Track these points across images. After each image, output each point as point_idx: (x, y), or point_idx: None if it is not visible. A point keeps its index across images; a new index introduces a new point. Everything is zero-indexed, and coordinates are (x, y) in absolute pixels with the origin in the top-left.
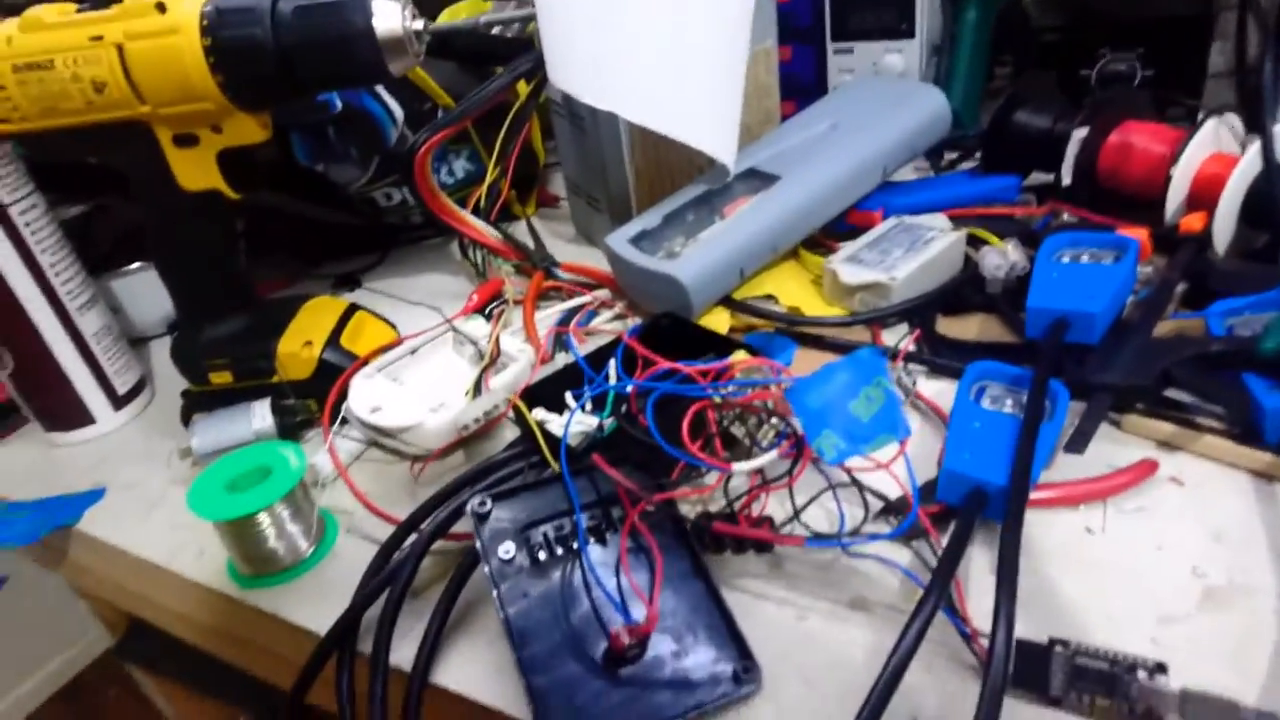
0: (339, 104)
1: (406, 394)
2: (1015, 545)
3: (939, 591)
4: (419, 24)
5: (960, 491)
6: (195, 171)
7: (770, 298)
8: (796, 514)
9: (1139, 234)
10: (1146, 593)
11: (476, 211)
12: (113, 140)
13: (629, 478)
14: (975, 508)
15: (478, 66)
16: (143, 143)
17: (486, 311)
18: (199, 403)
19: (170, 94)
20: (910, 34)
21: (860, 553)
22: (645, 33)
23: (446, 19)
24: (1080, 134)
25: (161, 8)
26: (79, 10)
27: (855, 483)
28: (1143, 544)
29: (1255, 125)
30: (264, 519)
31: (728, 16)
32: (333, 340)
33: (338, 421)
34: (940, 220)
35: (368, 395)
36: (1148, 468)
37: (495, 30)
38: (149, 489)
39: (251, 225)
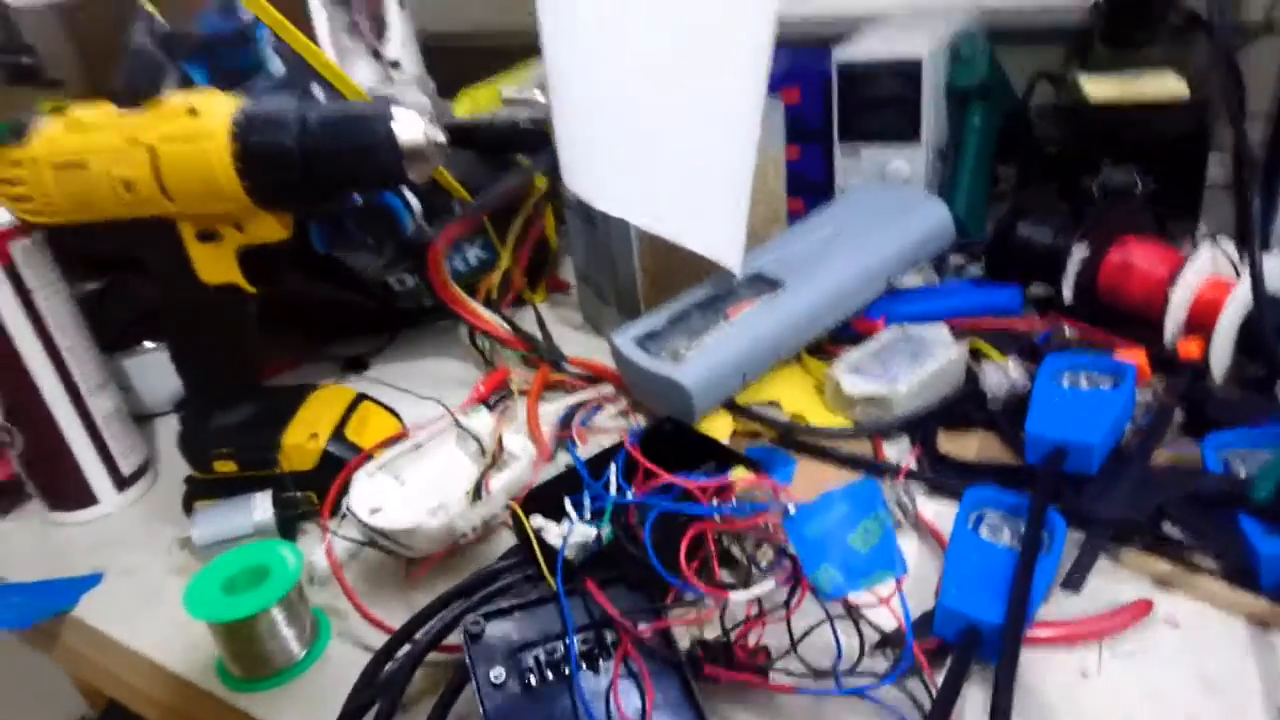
0: (358, 197)
1: (407, 493)
2: (1008, 696)
3: None
4: (440, 135)
5: (956, 628)
6: (216, 266)
7: (773, 404)
8: (794, 645)
9: (1138, 356)
10: None
11: (488, 300)
12: (137, 233)
13: (625, 598)
14: (970, 647)
15: (494, 155)
16: (166, 237)
17: (491, 403)
18: (202, 490)
19: (197, 194)
20: (916, 139)
21: (855, 687)
22: (655, 141)
23: (464, 104)
24: (1081, 250)
25: (194, 111)
26: (118, 109)
27: (852, 615)
28: (1137, 691)
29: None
30: (259, 622)
31: (737, 126)
32: (338, 432)
33: (338, 518)
34: (942, 331)
35: (369, 495)
36: (1143, 608)
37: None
38: (147, 577)
39: (262, 303)
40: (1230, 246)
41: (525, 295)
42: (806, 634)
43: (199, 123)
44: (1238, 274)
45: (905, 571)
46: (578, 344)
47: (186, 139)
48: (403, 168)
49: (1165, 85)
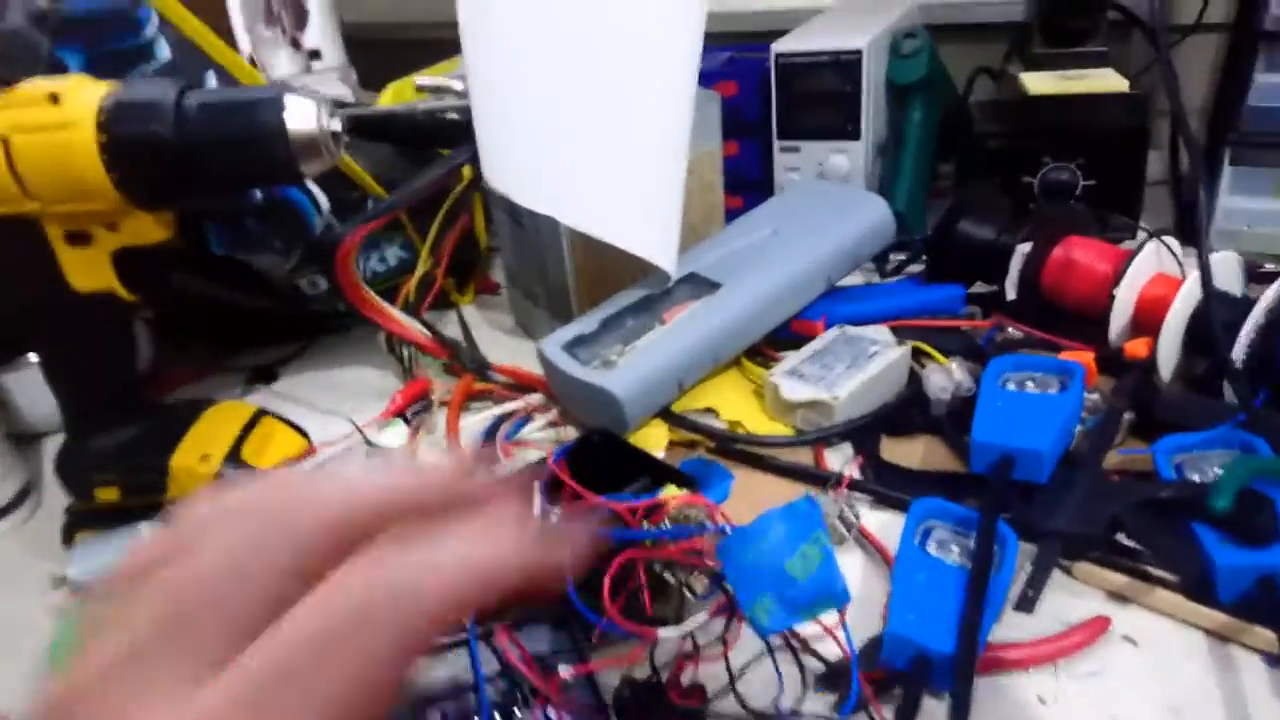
0: (258, 193)
1: None
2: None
3: None
4: (336, 124)
5: (905, 655)
6: (88, 271)
7: (710, 411)
8: (732, 684)
9: (1084, 358)
10: None
11: (407, 304)
12: None
13: (546, 639)
14: (920, 677)
15: (415, 150)
16: (30, 239)
17: (409, 416)
18: (84, 520)
19: (61, 191)
20: (856, 135)
21: None
22: (581, 136)
23: (388, 97)
24: (1024, 249)
25: (55, 98)
26: None
27: (793, 647)
28: (1098, 717)
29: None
30: None
31: (667, 121)
32: (233, 453)
33: None
34: (884, 333)
35: None
36: (1100, 625)
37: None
38: (16, 618)
39: (159, 309)
40: (1174, 243)
41: (453, 298)
42: (744, 669)
43: (60, 111)
44: (1182, 270)
45: (848, 600)
46: (508, 350)
47: (45, 128)
48: (295, 161)
49: (1104, 80)
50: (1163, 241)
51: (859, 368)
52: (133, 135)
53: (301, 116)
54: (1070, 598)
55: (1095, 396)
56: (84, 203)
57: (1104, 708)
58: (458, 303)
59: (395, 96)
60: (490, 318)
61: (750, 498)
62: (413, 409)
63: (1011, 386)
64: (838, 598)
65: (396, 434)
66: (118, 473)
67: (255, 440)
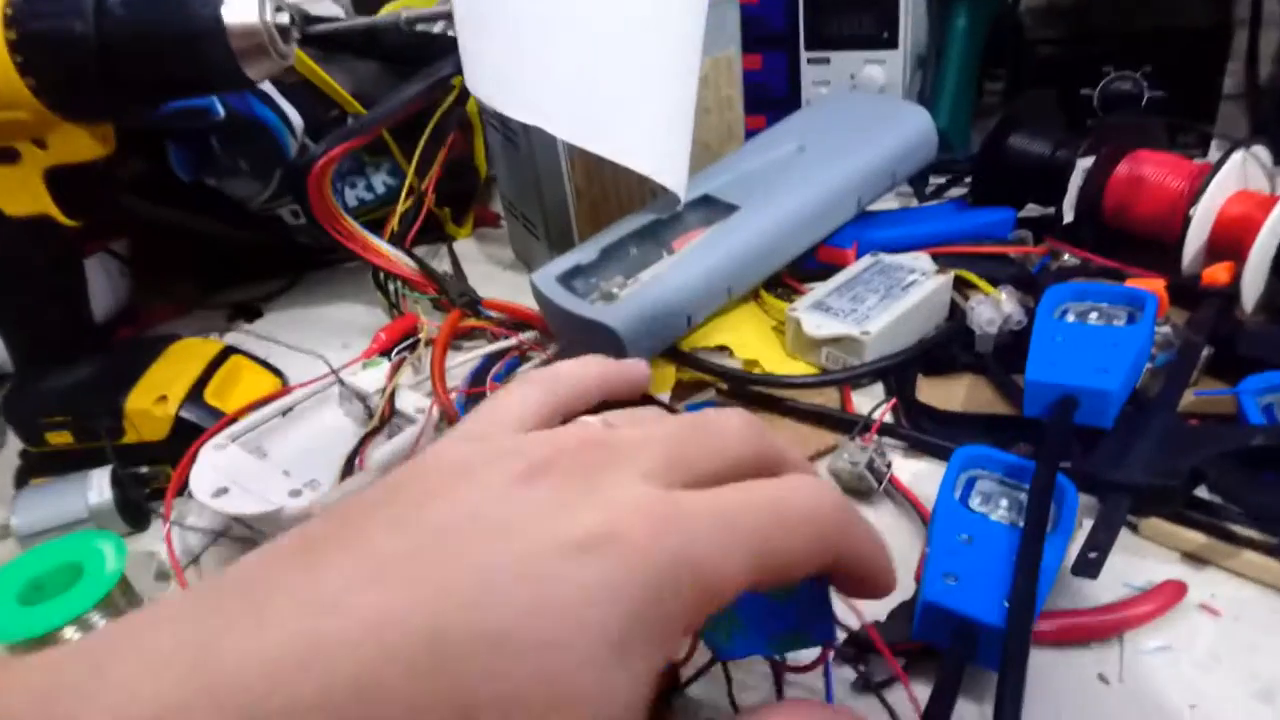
0: (221, 110)
1: (268, 468)
2: (1016, 714)
3: None
4: (284, 17)
5: (943, 628)
6: (18, 193)
7: (724, 349)
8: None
9: (1155, 285)
10: None
11: (394, 236)
12: None
13: None
14: (962, 654)
15: (401, 65)
16: None
17: (394, 355)
18: (37, 466)
19: None
20: (893, 44)
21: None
22: (576, 35)
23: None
24: (1085, 164)
25: None
26: None
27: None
28: (1172, 702)
29: None
30: (69, 635)
31: (675, 20)
32: (195, 393)
33: (184, 499)
34: (923, 260)
35: (214, 472)
36: (1174, 592)
37: (421, 27)
38: None
39: (140, 244)
40: (1264, 153)
41: (450, 229)
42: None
43: None
44: (1271, 186)
45: (833, 640)
46: (507, 286)
47: None
48: (235, 61)
49: None
50: (1251, 153)
51: (894, 299)
52: (45, 31)
53: (241, 8)
54: (1138, 560)
55: (1167, 330)
56: (1, 111)
57: (1178, 688)
58: (454, 235)
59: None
60: (490, 252)
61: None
62: (399, 348)
63: (1071, 318)
64: (818, 635)
65: (375, 375)
66: (69, 416)
67: (220, 380)
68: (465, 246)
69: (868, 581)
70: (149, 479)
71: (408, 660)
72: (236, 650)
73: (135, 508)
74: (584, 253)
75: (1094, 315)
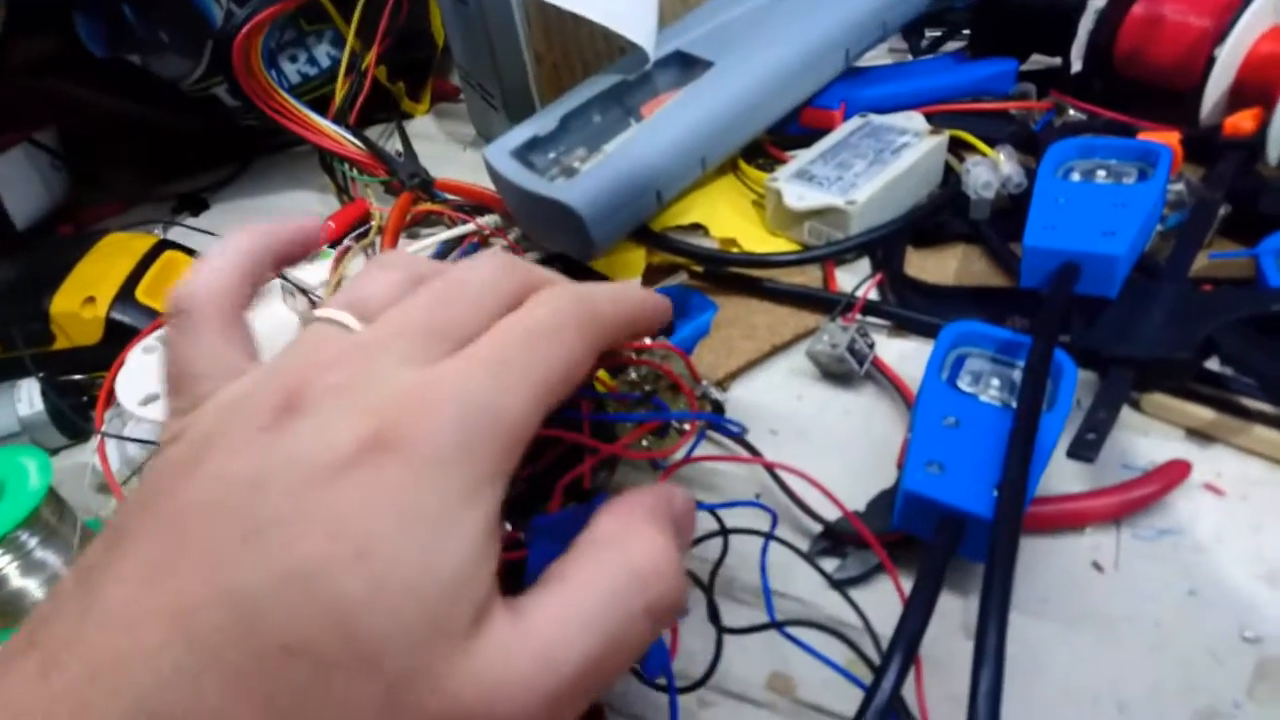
0: None
1: None
2: (1002, 616)
3: (890, 692)
4: None
5: (926, 520)
6: None
7: (699, 228)
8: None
9: (1168, 138)
10: (1175, 667)
11: (341, 113)
12: None
13: None
14: (946, 547)
15: None
16: None
17: (348, 245)
18: None
19: None
20: None
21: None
22: None
23: None
24: (1097, 4)
25: None
26: None
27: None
28: (1170, 588)
29: None
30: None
31: None
32: (126, 292)
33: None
34: (915, 120)
35: (143, 377)
36: (1177, 472)
37: None
38: None
39: (73, 136)
40: None
41: (406, 105)
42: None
43: None
44: None
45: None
46: (469, 165)
47: None
48: None
49: None
50: None
51: (883, 164)
52: None
53: None
54: (1139, 439)
55: (1180, 187)
56: None
57: (1179, 574)
58: (411, 112)
59: None
60: (450, 129)
61: (741, 330)
62: (351, 236)
63: (1076, 177)
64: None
65: (322, 267)
66: None
67: (154, 277)
68: (423, 124)
69: (642, 326)
70: (85, 387)
71: (213, 644)
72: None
73: (70, 418)
74: (542, 122)
75: (1101, 173)
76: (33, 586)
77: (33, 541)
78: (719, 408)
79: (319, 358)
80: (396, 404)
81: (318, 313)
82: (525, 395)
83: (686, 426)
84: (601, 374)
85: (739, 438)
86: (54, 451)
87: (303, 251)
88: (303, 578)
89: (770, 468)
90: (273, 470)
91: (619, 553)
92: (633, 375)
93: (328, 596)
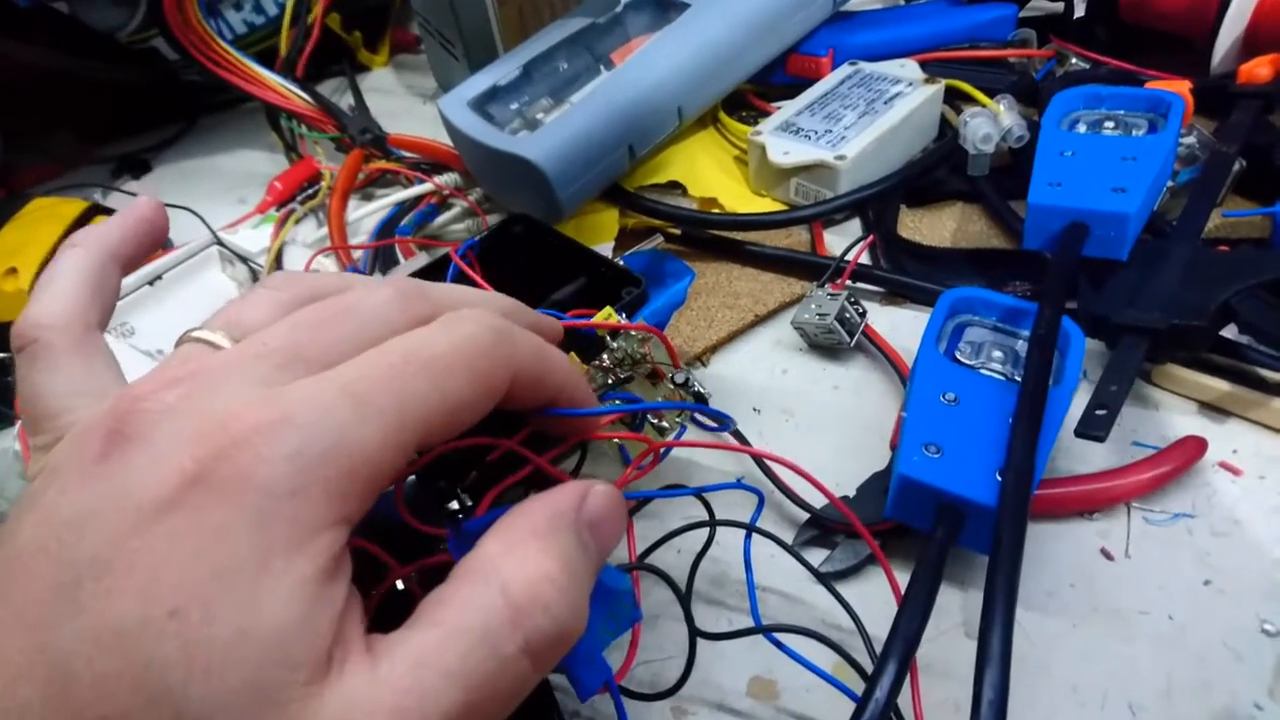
0: None
1: (138, 345)
2: (1009, 611)
3: (885, 704)
4: None
5: (923, 508)
6: None
7: (676, 186)
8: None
9: (1179, 87)
10: (1190, 663)
11: (287, 65)
12: None
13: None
14: (945, 537)
15: None
16: None
17: (296, 207)
18: None
19: None
20: None
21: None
22: None
23: None
24: None
25: None
26: None
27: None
28: (1183, 577)
29: None
30: None
31: None
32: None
33: None
34: (909, 68)
35: None
36: (1192, 450)
37: None
38: None
39: (6, 93)
40: None
41: (361, 57)
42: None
43: None
44: None
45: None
46: (429, 120)
47: None
48: None
49: None
50: None
51: (874, 116)
52: None
53: None
54: (1151, 413)
55: (1191, 140)
56: None
57: (1193, 562)
58: (368, 64)
59: None
60: (410, 82)
61: (722, 299)
62: (299, 198)
63: (1082, 129)
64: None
65: (261, 235)
66: None
67: None
68: (382, 76)
69: (560, 401)
70: (9, 366)
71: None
72: None
73: None
74: (502, 70)
75: (1109, 125)
76: None
77: None
78: (701, 398)
79: (166, 377)
80: (231, 429)
81: (190, 332)
82: (385, 430)
83: (665, 423)
84: (573, 357)
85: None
86: None
87: (150, 243)
88: (117, 639)
89: (754, 456)
90: (95, 510)
91: (492, 583)
92: (606, 361)
93: (143, 662)
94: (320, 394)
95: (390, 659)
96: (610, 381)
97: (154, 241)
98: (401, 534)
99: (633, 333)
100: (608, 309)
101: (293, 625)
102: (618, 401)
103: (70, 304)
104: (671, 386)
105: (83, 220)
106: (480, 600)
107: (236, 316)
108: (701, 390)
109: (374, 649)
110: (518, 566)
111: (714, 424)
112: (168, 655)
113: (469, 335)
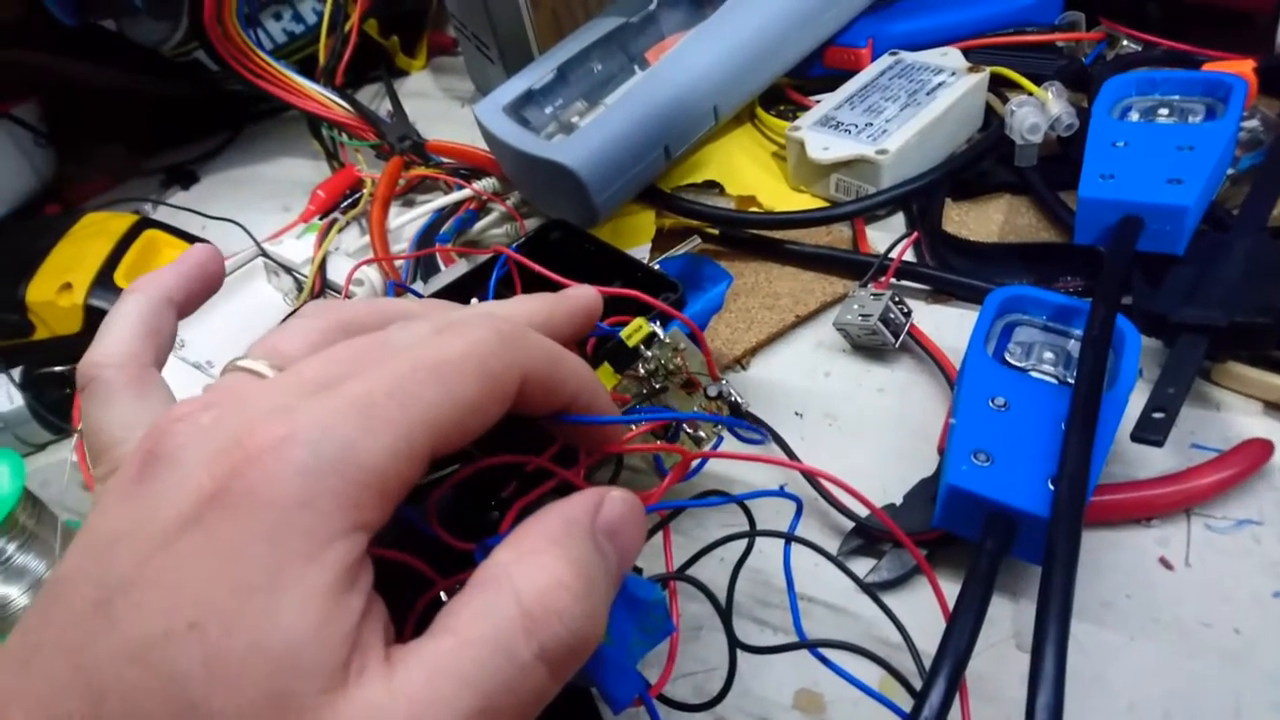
0: None
1: (187, 357)
2: (1062, 636)
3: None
4: None
5: (972, 518)
6: None
7: (713, 186)
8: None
9: (1241, 68)
10: (1260, 682)
11: (329, 71)
12: None
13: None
14: (996, 549)
15: None
16: None
17: (340, 215)
18: None
19: None
20: None
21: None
22: None
23: None
24: None
25: None
26: None
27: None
28: (1249, 587)
29: None
30: None
31: None
32: (104, 277)
33: None
34: (952, 57)
35: None
36: (1257, 453)
37: None
38: None
39: (56, 111)
40: None
41: (399, 62)
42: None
43: None
44: None
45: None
46: (468, 124)
47: None
48: None
49: None
50: None
51: (917, 108)
52: None
53: None
54: (1211, 414)
55: (1255, 124)
56: None
57: (1260, 571)
58: (406, 68)
59: None
60: (448, 85)
61: (761, 300)
62: (343, 205)
63: (1135, 117)
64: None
65: (304, 245)
66: None
67: (134, 259)
68: (420, 81)
69: (577, 407)
70: (68, 378)
71: None
72: None
73: (54, 412)
74: (536, 73)
75: (1163, 112)
76: (15, 594)
77: (11, 548)
78: (736, 410)
79: (205, 400)
80: (247, 447)
81: (236, 361)
82: (394, 438)
83: (702, 433)
84: (605, 368)
85: (763, 424)
86: (40, 447)
87: (206, 289)
88: (143, 653)
89: (796, 469)
90: (127, 529)
91: (505, 591)
92: (641, 371)
93: (166, 675)
94: (328, 408)
95: (406, 668)
96: (645, 391)
97: (209, 287)
98: (445, 547)
99: (666, 342)
100: (640, 319)
101: (307, 635)
102: (641, 413)
103: (127, 345)
104: (706, 400)
105: (133, 234)
106: (494, 608)
107: (274, 345)
108: (738, 399)
109: (392, 658)
110: (531, 574)
111: (751, 435)
112: (189, 668)
113: (477, 339)
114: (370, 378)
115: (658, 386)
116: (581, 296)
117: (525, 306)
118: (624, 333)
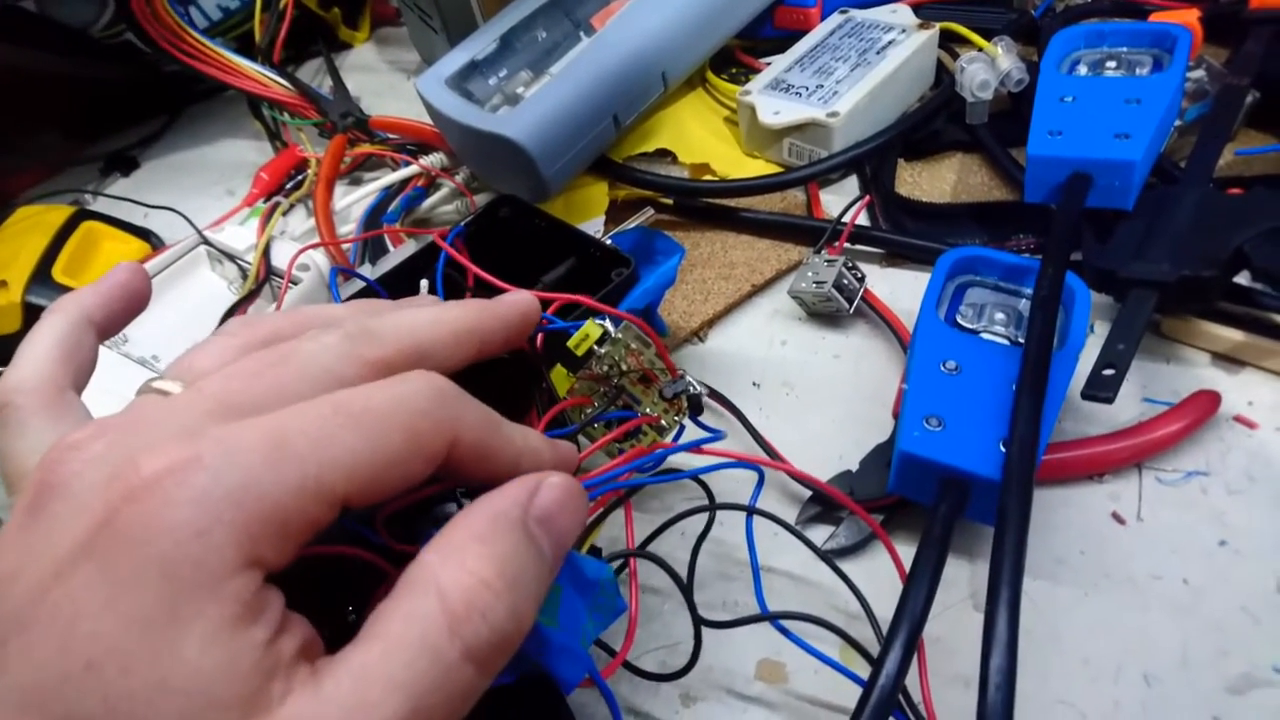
0: None
1: (129, 353)
2: (1014, 595)
3: (890, 689)
4: None
5: (926, 482)
6: None
7: (666, 154)
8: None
9: (1187, 19)
10: (1207, 630)
11: (265, 50)
12: None
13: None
14: (949, 512)
15: None
16: None
17: (283, 198)
18: None
19: None
20: None
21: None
22: None
23: None
24: None
25: None
26: None
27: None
28: (1198, 539)
29: None
30: None
31: None
32: (41, 273)
33: None
34: (902, 13)
35: None
36: (1205, 404)
37: None
38: None
39: None
40: None
41: (341, 35)
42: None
43: None
44: None
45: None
46: (414, 96)
47: None
48: None
49: None
50: None
51: (868, 68)
52: None
53: None
54: (1161, 367)
55: (1200, 74)
56: None
57: (1209, 523)
58: (350, 41)
59: None
60: (393, 57)
61: (717, 270)
62: (287, 187)
63: (1083, 70)
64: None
65: (247, 231)
66: None
67: (71, 253)
68: (364, 54)
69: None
70: None
71: None
72: None
73: None
74: (479, 43)
75: (1111, 65)
76: None
77: None
78: (696, 403)
79: (103, 425)
80: (143, 472)
81: (150, 381)
82: (301, 477)
83: (662, 422)
84: (559, 369)
85: (720, 396)
86: None
87: (130, 307)
88: (38, 695)
89: (752, 462)
90: (20, 564)
91: (430, 592)
92: (595, 370)
93: (63, 717)
94: (236, 437)
95: (335, 678)
96: (602, 390)
97: (133, 306)
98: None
99: (619, 339)
100: (590, 323)
101: (214, 670)
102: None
103: (42, 368)
104: (660, 399)
105: (70, 226)
106: (419, 611)
107: (191, 364)
108: (695, 390)
109: (319, 671)
110: (454, 574)
111: (707, 435)
112: (89, 710)
113: (409, 393)
114: (287, 413)
115: (615, 385)
116: (516, 303)
117: (454, 314)
118: (571, 341)
